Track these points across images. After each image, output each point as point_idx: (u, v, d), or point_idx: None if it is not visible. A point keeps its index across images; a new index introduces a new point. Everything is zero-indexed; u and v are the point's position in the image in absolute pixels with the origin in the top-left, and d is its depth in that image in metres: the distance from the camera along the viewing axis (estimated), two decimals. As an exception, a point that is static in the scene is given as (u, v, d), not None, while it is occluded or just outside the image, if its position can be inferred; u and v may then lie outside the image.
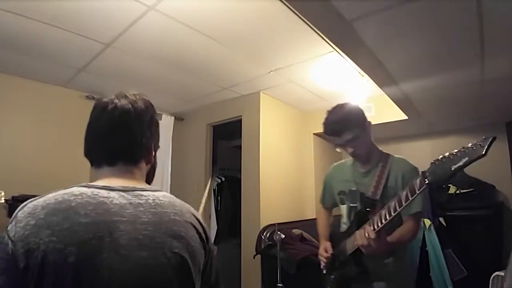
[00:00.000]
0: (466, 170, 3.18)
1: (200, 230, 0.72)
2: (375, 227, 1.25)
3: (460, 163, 0.95)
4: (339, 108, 1.48)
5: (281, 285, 2.22)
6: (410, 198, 1.16)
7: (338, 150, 1.52)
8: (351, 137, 1.41)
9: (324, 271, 1.54)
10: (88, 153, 0.74)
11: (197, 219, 0.74)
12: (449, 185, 3.06)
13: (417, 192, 1.13)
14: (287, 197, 3.38)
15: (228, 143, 4.45)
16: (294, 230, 2.92)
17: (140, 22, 1.92)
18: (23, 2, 1.73)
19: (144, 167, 0.77)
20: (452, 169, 0.98)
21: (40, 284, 0.53)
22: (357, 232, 1.33)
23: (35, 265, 0.53)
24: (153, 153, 0.79)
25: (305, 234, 2.90)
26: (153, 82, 2.84)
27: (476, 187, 2.99)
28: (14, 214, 0.59)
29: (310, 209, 3.64)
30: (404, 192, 1.17)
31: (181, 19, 1.90)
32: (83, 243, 0.56)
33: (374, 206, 1.37)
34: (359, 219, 1.40)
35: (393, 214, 1.21)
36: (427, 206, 2.76)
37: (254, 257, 2.78)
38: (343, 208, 1.56)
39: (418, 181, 1.12)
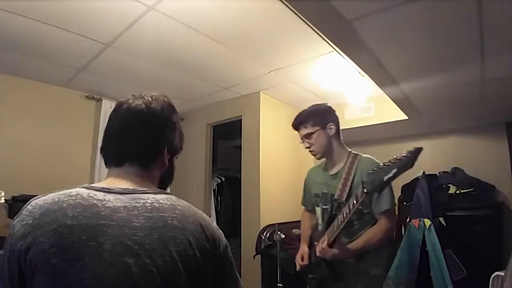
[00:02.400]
0: (466, 170, 3.21)
1: (206, 237, 0.65)
2: (329, 239, 1.31)
3: (390, 174, 1.03)
4: (309, 106, 1.60)
5: (281, 285, 2.22)
6: (353, 209, 1.20)
7: (300, 143, 1.62)
8: (306, 133, 1.54)
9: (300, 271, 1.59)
10: (101, 152, 0.74)
11: (205, 225, 0.67)
12: (449, 185, 3.06)
13: (358, 202, 1.17)
14: (287, 197, 3.38)
15: (228, 143, 4.45)
16: (294, 230, 2.92)
17: (140, 22, 1.92)
18: (23, 2, 1.73)
19: (155, 170, 0.74)
20: (384, 179, 1.05)
21: (33, 282, 0.55)
22: (317, 243, 1.42)
23: (29, 263, 0.55)
24: (169, 156, 0.75)
25: (305, 234, 2.90)
26: (153, 82, 2.84)
27: (476, 187, 2.99)
28: (21, 209, 0.62)
29: (310, 209, 3.64)
30: (349, 203, 1.22)
31: (181, 19, 1.90)
32: (66, 246, 0.55)
33: (341, 208, 1.39)
34: (327, 223, 1.42)
35: (342, 226, 1.25)
36: (427, 206, 2.76)
37: (254, 257, 2.78)
38: (318, 210, 1.60)
39: (359, 191, 1.17)
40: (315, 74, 2.72)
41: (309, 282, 1.56)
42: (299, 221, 3.29)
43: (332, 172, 1.56)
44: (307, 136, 1.54)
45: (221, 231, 0.72)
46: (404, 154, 1.01)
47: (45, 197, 0.62)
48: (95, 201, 0.61)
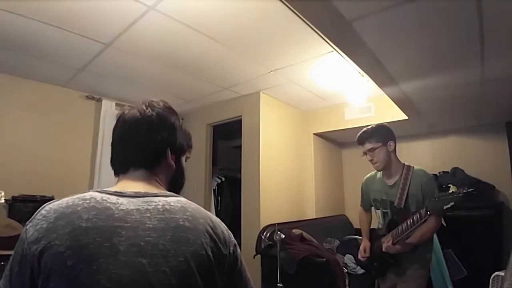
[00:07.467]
0: (466, 170, 3.20)
1: (217, 237, 0.67)
2: (394, 239, 1.72)
3: (448, 206, 1.50)
4: (372, 126, 1.90)
5: (281, 285, 2.22)
6: (417, 224, 1.63)
7: (363, 157, 1.91)
8: (370, 147, 1.82)
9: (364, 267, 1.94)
10: (111, 163, 0.78)
11: (214, 226, 0.69)
12: (449, 185, 3.05)
13: (421, 220, 1.62)
14: (287, 197, 3.38)
15: (228, 143, 4.46)
16: (294, 230, 2.92)
17: (140, 22, 1.92)
18: (23, 2, 1.73)
19: (161, 171, 0.76)
20: (444, 208, 1.52)
21: (47, 286, 0.56)
22: (383, 240, 1.82)
23: (44, 266, 0.56)
24: (174, 157, 0.77)
25: (305, 234, 2.90)
26: (153, 82, 2.83)
27: (476, 187, 2.98)
28: (34, 214, 0.63)
29: (310, 209, 3.64)
30: (414, 217, 1.64)
31: (181, 19, 1.90)
32: (81, 247, 0.56)
33: (400, 214, 1.77)
34: (389, 225, 1.83)
35: (407, 231, 1.67)
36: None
37: (254, 257, 2.78)
38: (378, 212, 1.95)
39: (423, 212, 1.61)
40: (315, 74, 2.72)
41: (375, 268, 1.95)
42: (299, 221, 3.32)
43: (390, 182, 1.85)
44: (371, 150, 1.82)
45: (230, 231, 0.73)
46: (464, 190, 1.48)
47: (59, 202, 0.63)
48: (108, 204, 0.63)
